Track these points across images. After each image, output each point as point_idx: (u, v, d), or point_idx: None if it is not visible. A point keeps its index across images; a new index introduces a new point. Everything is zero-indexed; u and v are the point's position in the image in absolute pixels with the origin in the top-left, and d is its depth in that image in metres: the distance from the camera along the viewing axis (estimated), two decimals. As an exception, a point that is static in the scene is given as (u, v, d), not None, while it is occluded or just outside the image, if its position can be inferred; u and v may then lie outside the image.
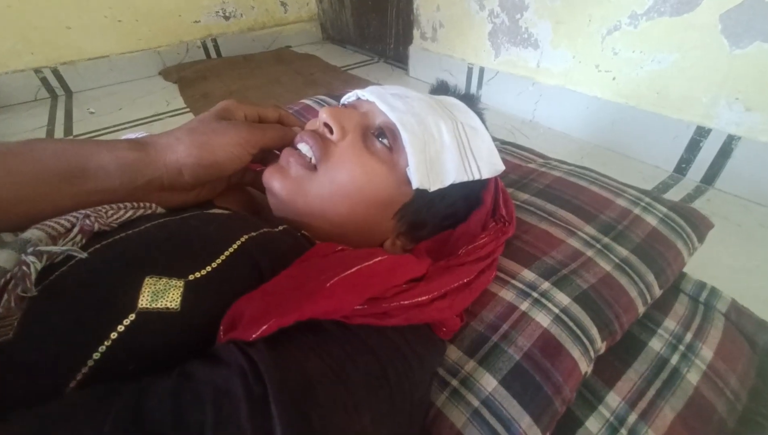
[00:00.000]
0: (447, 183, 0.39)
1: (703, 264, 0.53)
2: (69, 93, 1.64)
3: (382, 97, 0.41)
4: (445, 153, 0.39)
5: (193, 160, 0.35)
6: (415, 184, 0.38)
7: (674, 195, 0.93)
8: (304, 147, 0.39)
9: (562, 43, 1.12)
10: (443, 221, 0.43)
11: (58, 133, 1.34)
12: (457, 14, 1.39)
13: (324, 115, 0.39)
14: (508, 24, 1.23)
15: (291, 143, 0.41)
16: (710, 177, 0.94)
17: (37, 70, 1.55)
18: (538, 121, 1.28)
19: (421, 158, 0.38)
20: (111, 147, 0.34)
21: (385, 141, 0.39)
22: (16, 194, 0.30)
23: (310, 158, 0.38)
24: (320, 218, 0.39)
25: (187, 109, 1.47)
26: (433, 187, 0.38)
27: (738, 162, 0.88)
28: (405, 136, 0.37)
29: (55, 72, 1.59)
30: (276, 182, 0.38)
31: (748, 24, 0.78)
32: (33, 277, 0.26)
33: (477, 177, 0.41)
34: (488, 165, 0.42)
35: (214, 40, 1.94)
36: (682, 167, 0.98)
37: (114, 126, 1.38)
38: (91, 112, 1.47)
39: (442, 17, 1.45)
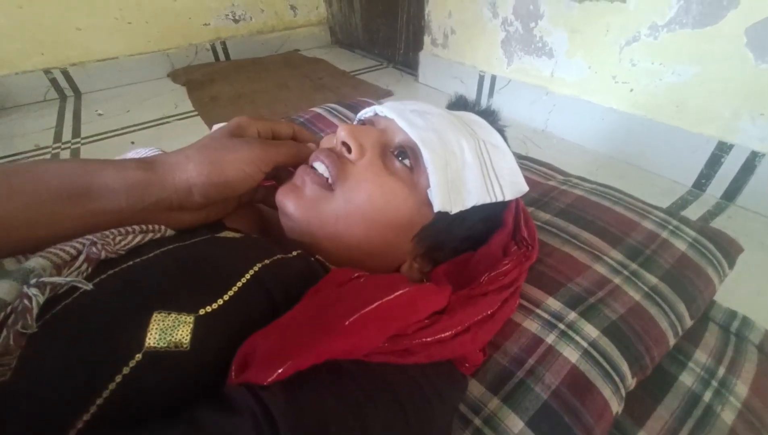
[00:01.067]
0: (469, 205, 0.37)
1: (725, 285, 0.51)
2: (78, 94, 1.64)
3: (402, 114, 0.39)
4: (467, 173, 0.37)
5: (204, 178, 0.33)
6: (437, 207, 0.36)
7: (694, 211, 0.90)
8: (320, 166, 0.37)
9: (578, 53, 1.10)
10: (462, 244, 0.41)
11: (66, 134, 1.34)
12: (470, 21, 1.37)
13: (342, 133, 0.37)
14: (522, 32, 1.21)
15: (305, 160, 0.39)
16: (731, 193, 0.91)
17: (46, 71, 1.55)
18: (551, 131, 1.26)
19: (443, 179, 0.36)
20: (117, 166, 0.32)
21: (406, 161, 0.37)
22: (17, 215, 0.29)
23: (327, 178, 0.37)
24: (335, 240, 0.37)
25: (195, 113, 1.46)
26: (454, 210, 0.37)
27: (762, 179, 0.86)
28: (426, 155, 0.36)
29: (65, 73, 1.59)
30: (290, 203, 0.37)
31: (775, 38, 0.75)
32: (35, 311, 0.24)
33: (500, 199, 0.39)
34: (511, 185, 0.40)
35: (223, 43, 1.93)
36: (701, 183, 0.95)
37: (122, 128, 1.37)
38: (100, 114, 1.47)
39: (454, 24, 1.43)
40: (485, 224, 0.42)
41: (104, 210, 0.31)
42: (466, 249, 0.42)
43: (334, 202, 0.36)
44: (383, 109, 0.41)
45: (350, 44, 2.20)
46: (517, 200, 0.46)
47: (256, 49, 2.02)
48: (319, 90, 1.65)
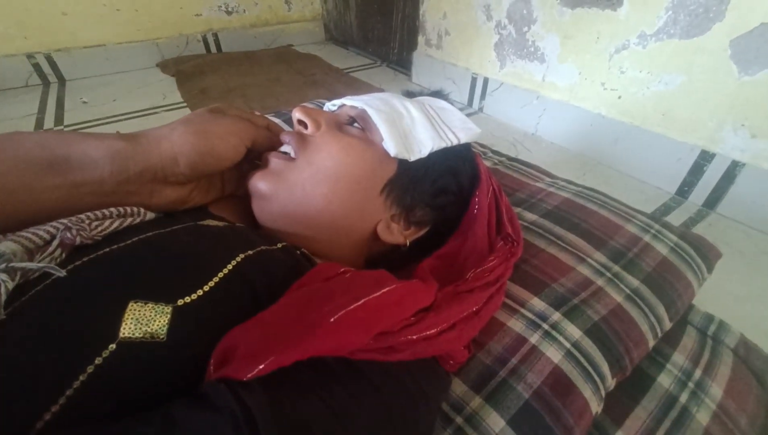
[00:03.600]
0: (425, 151, 0.39)
1: (704, 290, 0.52)
2: (62, 81, 1.59)
3: (348, 98, 0.43)
4: (416, 126, 0.40)
5: (189, 147, 0.34)
6: (393, 152, 0.37)
7: (676, 218, 0.92)
8: (285, 147, 0.40)
9: (569, 58, 1.11)
10: (436, 199, 0.42)
11: (48, 122, 1.30)
12: (464, 23, 1.37)
13: (297, 113, 0.39)
14: (515, 36, 1.22)
15: (279, 146, 0.41)
16: (712, 201, 0.93)
17: (29, 56, 1.50)
18: (540, 135, 1.27)
19: (393, 130, 0.38)
20: (99, 136, 0.32)
21: (356, 124, 0.40)
22: None
23: (289, 153, 0.39)
24: (306, 206, 0.37)
25: (184, 104, 1.43)
26: (412, 157, 0.38)
27: (741, 188, 0.88)
28: (373, 114, 0.38)
29: (49, 58, 1.54)
30: (258, 181, 0.38)
31: (758, 51, 0.77)
32: (3, 298, 0.23)
33: (455, 142, 0.41)
34: (464, 130, 0.43)
35: (215, 35, 1.90)
36: (684, 190, 0.98)
37: (107, 117, 1.34)
38: (84, 102, 1.43)
39: (449, 25, 1.44)
40: (455, 178, 0.43)
41: (85, 180, 0.30)
42: (445, 214, 0.43)
43: (298, 168, 0.37)
44: (334, 102, 0.45)
45: (344, 41, 2.19)
46: (493, 186, 0.46)
47: (249, 42, 2.00)
48: (312, 86, 1.63)
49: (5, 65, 1.47)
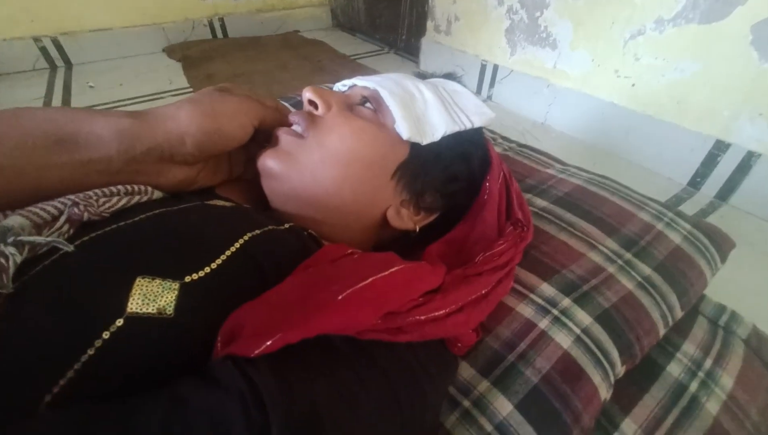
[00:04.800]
0: (438, 135, 0.38)
1: (715, 281, 0.52)
2: (69, 65, 1.59)
3: (360, 78, 0.42)
4: (429, 108, 0.39)
5: (196, 127, 0.33)
6: (405, 134, 0.37)
7: (687, 209, 0.90)
8: (294, 128, 0.39)
9: (582, 45, 1.08)
10: (447, 186, 0.41)
11: (56, 105, 1.30)
12: (474, 8, 1.34)
13: (308, 93, 0.39)
14: (527, 21, 1.19)
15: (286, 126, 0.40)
16: (725, 193, 0.91)
17: (36, 39, 1.49)
18: (550, 124, 1.25)
19: (406, 112, 0.37)
20: (107, 114, 0.31)
21: (368, 104, 0.39)
22: (1, 160, 0.27)
23: (299, 131, 0.38)
24: (316, 189, 0.37)
25: (191, 89, 1.42)
26: (425, 140, 0.38)
27: (756, 180, 0.86)
28: (385, 95, 0.38)
29: (55, 42, 1.53)
30: (268, 159, 0.37)
31: (780, 36, 0.75)
32: (11, 271, 0.23)
33: (469, 126, 0.40)
34: (478, 115, 0.41)
35: (221, 20, 1.88)
36: (696, 181, 0.96)
37: (113, 102, 1.33)
38: (91, 86, 1.42)
39: (458, 10, 1.41)
40: (467, 164, 0.42)
41: (92, 159, 0.30)
42: (456, 200, 0.42)
43: (308, 148, 0.37)
44: (344, 82, 0.44)
45: (351, 27, 2.16)
46: (505, 174, 0.45)
47: (255, 27, 1.97)
48: (318, 72, 1.62)
49: (13, 48, 1.46)
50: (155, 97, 1.38)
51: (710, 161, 0.92)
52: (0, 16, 1.41)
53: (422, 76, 0.49)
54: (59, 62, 1.57)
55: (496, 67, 1.35)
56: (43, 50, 1.52)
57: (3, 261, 0.23)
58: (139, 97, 1.37)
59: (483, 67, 1.39)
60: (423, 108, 0.39)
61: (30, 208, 0.27)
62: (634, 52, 0.98)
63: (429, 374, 0.28)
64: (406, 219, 0.40)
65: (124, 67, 1.59)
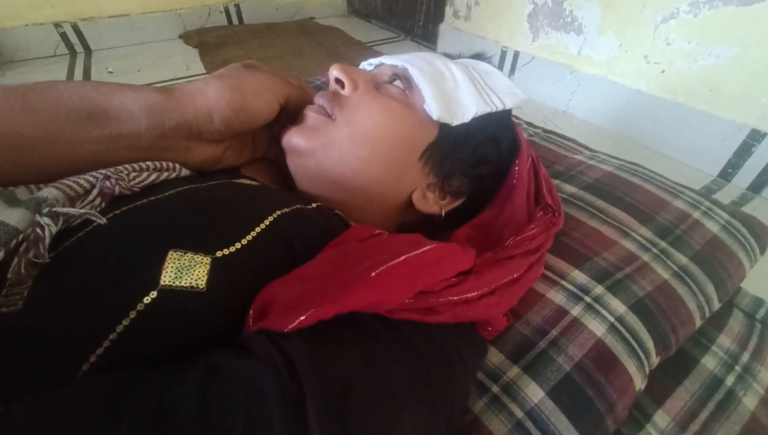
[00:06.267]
0: (469, 116, 0.37)
1: (749, 273, 0.49)
2: (88, 51, 1.60)
3: (387, 57, 0.41)
4: (460, 88, 0.38)
5: (224, 103, 0.32)
6: (435, 114, 0.35)
7: (717, 201, 0.87)
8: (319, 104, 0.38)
9: (609, 30, 1.04)
10: (475, 169, 0.40)
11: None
12: (496, -8, 1.30)
13: (334, 71, 0.37)
14: (551, 5, 1.15)
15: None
16: (758, 185, 0.88)
17: (57, 25, 1.51)
18: (572, 112, 1.21)
19: (436, 92, 0.36)
20: (136, 89, 0.31)
21: (398, 82, 0.38)
22: (35, 132, 0.28)
23: (326, 110, 0.37)
24: (342, 167, 0.36)
25: (207, 75, 1.42)
26: (455, 121, 0.36)
27: (793, 170, 0.82)
28: (415, 73, 0.36)
29: (75, 27, 1.55)
30: (294, 136, 0.36)
31: (827, 18, 0.70)
32: (47, 241, 0.23)
33: (500, 107, 0.39)
34: (509, 96, 0.40)
35: (237, 6, 1.87)
36: (728, 172, 0.92)
37: (132, 88, 1.34)
38: (110, 72, 1.44)
39: (479, -6, 1.37)
40: (496, 146, 0.41)
41: (122, 133, 0.30)
42: (483, 185, 0.41)
43: (336, 127, 0.36)
44: (371, 61, 0.42)
45: (367, 14, 2.12)
46: (533, 159, 0.44)
47: (271, 14, 1.96)
48: (334, 59, 1.60)
49: (34, 34, 1.48)
50: (173, 82, 1.38)
51: (744, 151, 0.88)
52: (21, 2, 1.42)
53: (449, 57, 0.48)
54: (79, 48, 1.59)
55: (516, 54, 1.31)
56: (64, 36, 1.54)
57: (39, 231, 0.23)
58: (156, 82, 1.38)
59: (503, 54, 1.35)
60: (453, 87, 0.38)
61: (63, 181, 0.27)
62: (665, 36, 0.94)
63: (459, 355, 0.28)
64: (431, 203, 0.39)
65: (141, 53, 1.60)
